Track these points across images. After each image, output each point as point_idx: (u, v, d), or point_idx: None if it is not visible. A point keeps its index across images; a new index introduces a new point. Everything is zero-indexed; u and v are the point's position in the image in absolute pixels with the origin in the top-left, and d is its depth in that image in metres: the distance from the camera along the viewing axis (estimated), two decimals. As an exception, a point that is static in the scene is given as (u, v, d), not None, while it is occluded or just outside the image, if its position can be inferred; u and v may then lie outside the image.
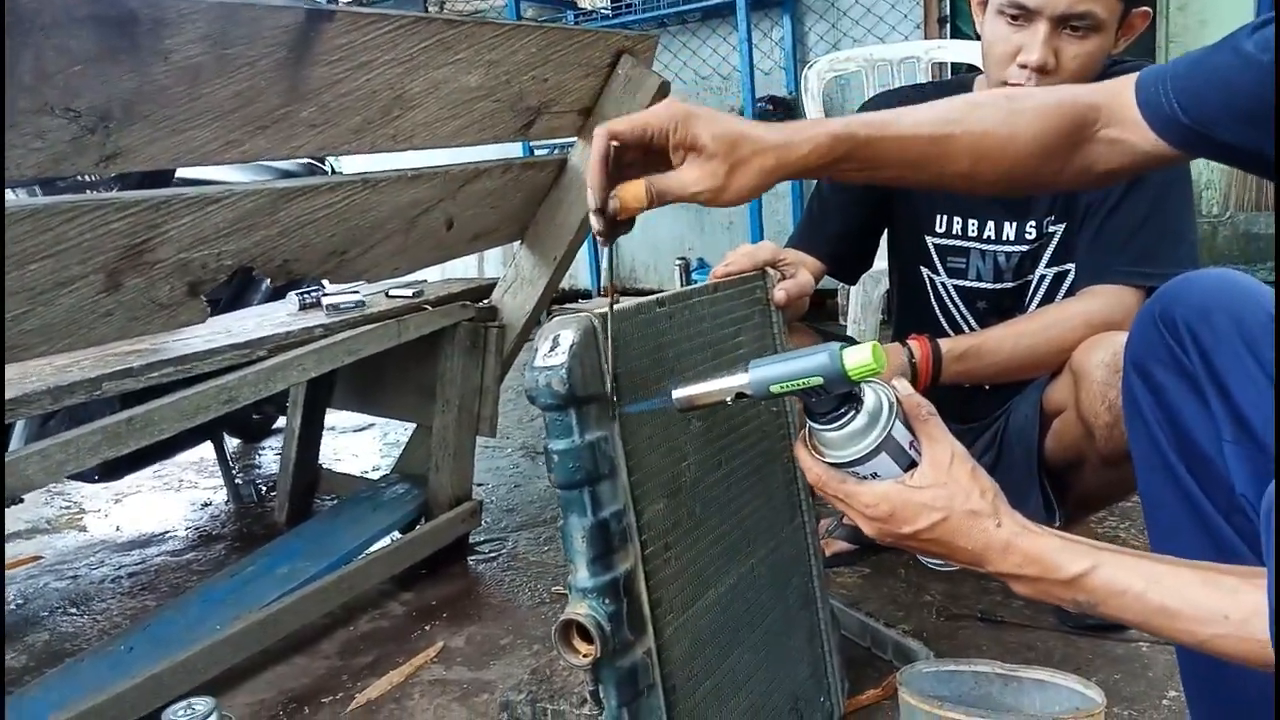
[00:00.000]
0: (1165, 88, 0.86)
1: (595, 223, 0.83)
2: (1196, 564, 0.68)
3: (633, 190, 0.83)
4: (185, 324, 1.29)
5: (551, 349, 0.81)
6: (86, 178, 1.84)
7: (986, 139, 0.90)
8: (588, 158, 0.83)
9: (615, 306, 0.83)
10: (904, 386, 0.82)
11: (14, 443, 1.71)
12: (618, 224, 0.85)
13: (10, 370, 1.22)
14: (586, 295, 4.90)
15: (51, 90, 1.02)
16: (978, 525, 0.74)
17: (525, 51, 1.55)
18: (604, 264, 0.86)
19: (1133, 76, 0.90)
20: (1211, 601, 0.63)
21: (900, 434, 0.77)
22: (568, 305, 4.53)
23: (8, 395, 1.13)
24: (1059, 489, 1.43)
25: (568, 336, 0.81)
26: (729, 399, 0.79)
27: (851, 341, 1.53)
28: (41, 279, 1.11)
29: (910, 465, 0.77)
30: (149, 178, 1.72)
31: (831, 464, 0.79)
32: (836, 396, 0.77)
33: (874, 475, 0.78)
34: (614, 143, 0.82)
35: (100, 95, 1.06)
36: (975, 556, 0.74)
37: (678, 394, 0.82)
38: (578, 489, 0.80)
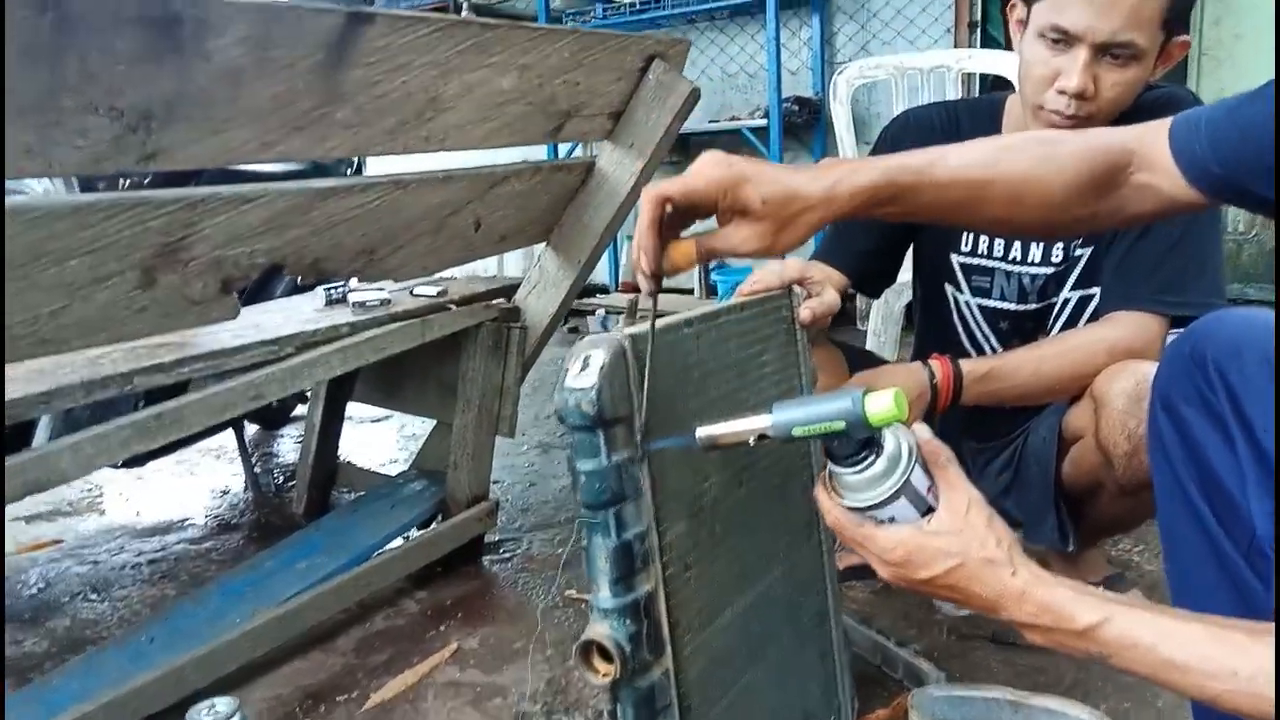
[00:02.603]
0: (1200, 136, 0.86)
1: (644, 283, 0.85)
2: (1205, 618, 0.68)
3: (682, 250, 0.85)
4: (216, 320, 1.31)
5: (582, 369, 0.81)
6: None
7: (1022, 184, 0.90)
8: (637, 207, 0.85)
9: (642, 326, 0.84)
10: (924, 431, 0.82)
11: (40, 432, 1.74)
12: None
13: (43, 362, 1.24)
14: (604, 290, 4.91)
15: (96, 89, 1.04)
16: (993, 573, 0.74)
17: (559, 55, 1.56)
18: (650, 313, 0.88)
19: (1166, 121, 0.90)
20: (1221, 657, 0.64)
21: (919, 479, 0.78)
22: (585, 300, 4.54)
23: (42, 388, 1.15)
24: (1074, 513, 1.43)
25: (598, 357, 0.82)
26: (751, 440, 0.80)
27: (881, 363, 1.53)
28: (80, 274, 1.12)
29: (928, 510, 0.78)
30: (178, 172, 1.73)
31: (850, 507, 0.80)
32: (857, 441, 0.77)
33: (891, 519, 0.79)
34: (667, 206, 0.83)
35: (143, 95, 1.08)
36: (990, 604, 0.75)
37: (701, 433, 0.82)
38: (603, 510, 0.81)
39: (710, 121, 4.45)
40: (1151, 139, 0.90)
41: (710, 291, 4.52)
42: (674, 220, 0.86)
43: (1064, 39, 1.25)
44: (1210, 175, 0.86)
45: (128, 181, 1.86)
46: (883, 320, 2.22)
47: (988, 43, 4.03)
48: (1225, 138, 0.84)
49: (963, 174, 0.90)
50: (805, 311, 1.13)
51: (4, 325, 1.10)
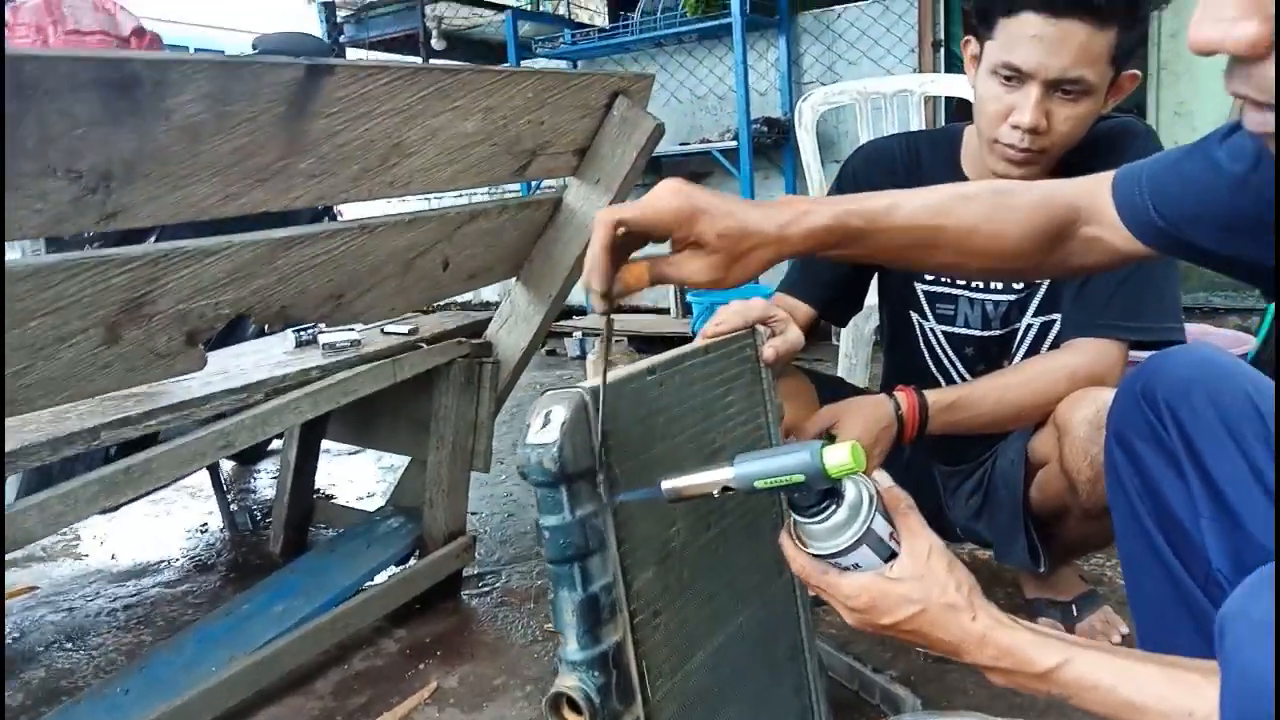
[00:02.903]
0: (1141, 191, 0.88)
1: (597, 302, 0.86)
2: (1162, 659, 0.70)
3: (635, 272, 0.86)
4: (183, 372, 1.30)
5: (543, 425, 0.82)
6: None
7: (973, 235, 0.92)
8: (592, 238, 0.85)
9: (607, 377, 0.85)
10: (884, 479, 0.84)
11: (8, 489, 1.72)
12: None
13: (8, 421, 1.24)
14: (581, 312, 4.92)
15: (55, 153, 1.04)
16: (954, 618, 0.76)
17: (522, 96, 1.57)
18: (602, 332, 0.89)
19: (1109, 175, 0.92)
20: (1176, 697, 0.66)
21: (880, 526, 0.79)
22: (562, 323, 4.55)
23: (6, 447, 1.14)
24: (1044, 533, 1.45)
25: (559, 413, 0.83)
26: (715, 492, 0.81)
27: (852, 390, 1.55)
28: (43, 335, 1.12)
29: (890, 556, 0.80)
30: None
31: (814, 555, 0.81)
32: (818, 491, 0.79)
33: (855, 566, 0.80)
34: (621, 230, 0.84)
35: (102, 156, 1.08)
36: (952, 648, 0.77)
37: (667, 485, 0.84)
38: (568, 564, 0.82)
39: (680, 144, 4.48)
40: (1096, 194, 0.93)
41: (685, 310, 4.54)
42: (627, 243, 0.87)
43: (1016, 76, 1.28)
44: (1154, 228, 0.88)
45: (92, 232, 1.86)
46: (853, 343, 2.24)
47: (951, 61, 4.08)
48: (1166, 193, 0.87)
49: (915, 221, 0.92)
50: (769, 350, 1.15)
51: (3, 377, 1.10)
